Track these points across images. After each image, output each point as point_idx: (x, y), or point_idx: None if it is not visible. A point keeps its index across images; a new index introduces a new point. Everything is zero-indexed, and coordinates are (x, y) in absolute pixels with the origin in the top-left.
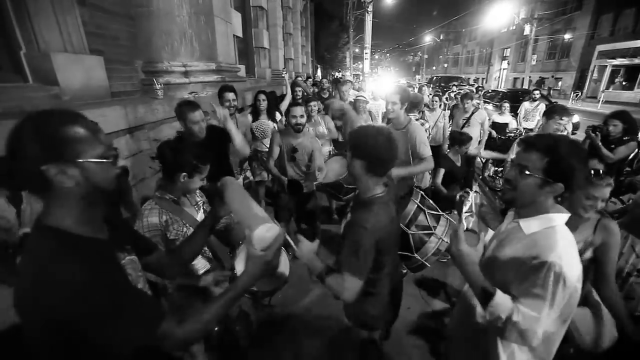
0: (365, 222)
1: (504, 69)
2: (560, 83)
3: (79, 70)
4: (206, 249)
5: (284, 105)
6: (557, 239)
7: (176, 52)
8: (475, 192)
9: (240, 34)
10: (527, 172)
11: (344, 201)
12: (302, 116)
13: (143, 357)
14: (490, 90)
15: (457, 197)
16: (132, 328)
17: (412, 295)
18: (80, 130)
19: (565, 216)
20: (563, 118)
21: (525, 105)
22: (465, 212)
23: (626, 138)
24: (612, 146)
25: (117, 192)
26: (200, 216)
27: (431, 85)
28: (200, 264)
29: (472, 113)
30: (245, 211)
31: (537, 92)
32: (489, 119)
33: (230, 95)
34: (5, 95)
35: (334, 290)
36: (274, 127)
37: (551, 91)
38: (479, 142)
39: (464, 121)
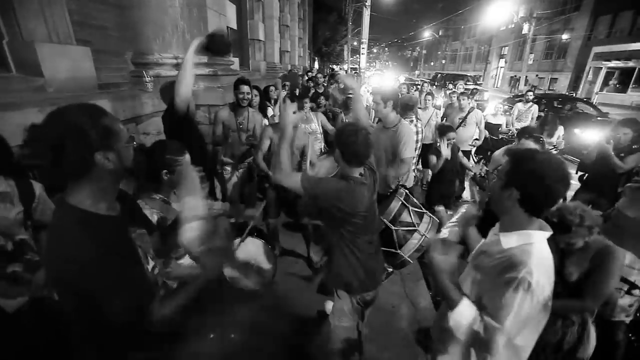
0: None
1: (501, 67)
2: (543, 81)
3: (65, 61)
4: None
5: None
6: (532, 256)
7: (167, 44)
8: (473, 201)
9: (234, 26)
10: (496, 175)
11: None
12: (294, 112)
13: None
14: (519, 94)
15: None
16: (128, 302)
17: (396, 294)
18: (115, 122)
19: (545, 234)
20: (538, 140)
21: (519, 106)
22: (452, 222)
23: (635, 147)
24: (622, 155)
25: (134, 168)
26: None
27: (435, 83)
28: (187, 263)
29: (469, 112)
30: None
31: (531, 93)
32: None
33: (245, 88)
34: None
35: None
36: (265, 122)
37: (534, 89)
38: (475, 140)
39: (460, 120)
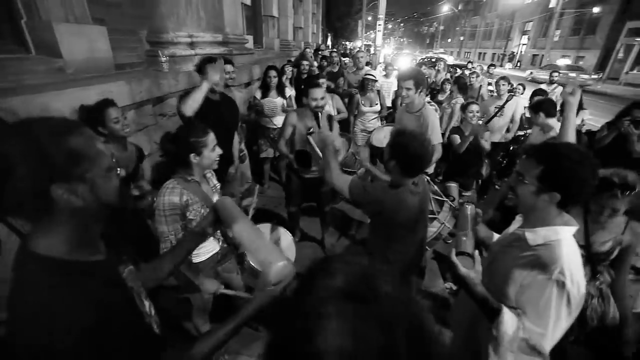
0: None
1: (523, 44)
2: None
3: (82, 41)
4: (218, 231)
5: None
6: (562, 254)
7: (182, 22)
8: (470, 203)
9: (248, 2)
10: (523, 180)
11: None
12: (322, 98)
13: None
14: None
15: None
16: None
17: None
18: (90, 143)
19: (572, 229)
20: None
21: (542, 88)
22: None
23: None
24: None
25: (119, 202)
26: (215, 199)
27: None
28: (210, 246)
29: (507, 100)
30: (261, 245)
31: (556, 73)
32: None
33: (228, 67)
34: (8, 69)
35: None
36: (283, 103)
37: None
38: (507, 131)
39: (497, 109)
